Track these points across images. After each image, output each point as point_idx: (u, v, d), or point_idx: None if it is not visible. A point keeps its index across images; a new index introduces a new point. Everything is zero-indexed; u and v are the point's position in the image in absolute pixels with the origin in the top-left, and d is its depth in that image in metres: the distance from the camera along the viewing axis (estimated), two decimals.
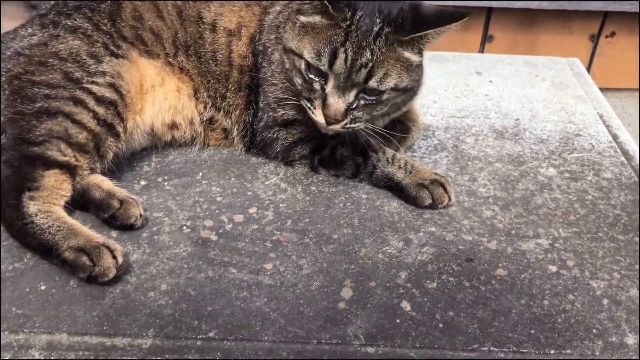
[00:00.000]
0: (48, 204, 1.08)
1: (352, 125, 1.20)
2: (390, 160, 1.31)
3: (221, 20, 1.38)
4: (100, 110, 1.20)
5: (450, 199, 1.27)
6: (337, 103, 1.16)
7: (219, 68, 1.37)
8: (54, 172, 1.11)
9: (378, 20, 1.14)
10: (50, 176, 1.10)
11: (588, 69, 2.15)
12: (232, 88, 1.38)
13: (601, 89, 1.81)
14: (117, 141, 1.24)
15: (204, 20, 1.37)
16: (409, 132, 1.45)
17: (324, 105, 1.17)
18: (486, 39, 2.12)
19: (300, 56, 1.18)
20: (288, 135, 1.35)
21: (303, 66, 1.18)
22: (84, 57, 1.23)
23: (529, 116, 1.63)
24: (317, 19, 1.17)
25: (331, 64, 1.14)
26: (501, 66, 1.86)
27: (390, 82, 1.16)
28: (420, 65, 1.25)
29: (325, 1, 1.13)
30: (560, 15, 2.04)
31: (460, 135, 1.53)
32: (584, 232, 1.22)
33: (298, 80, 1.22)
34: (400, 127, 1.42)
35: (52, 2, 1.35)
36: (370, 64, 1.13)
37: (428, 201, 1.26)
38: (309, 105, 1.21)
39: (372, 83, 1.15)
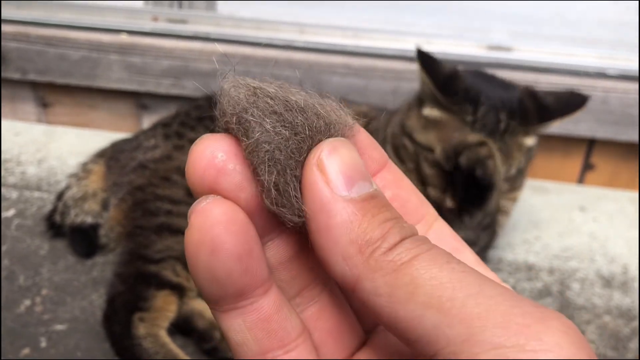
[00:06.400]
0: (156, 326, 1.08)
1: None
2: None
3: None
4: None
5: None
6: None
7: None
8: (165, 293, 1.11)
9: (503, 116, 1.12)
10: (160, 297, 1.11)
11: None
12: None
13: None
14: None
15: None
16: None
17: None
18: (587, 166, 2.06)
19: (431, 150, 1.18)
20: None
21: (433, 157, 1.18)
22: None
23: (636, 262, 1.55)
24: (439, 112, 1.16)
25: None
26: (605, 202, 1.80)
27: (512, 171, 1.18)
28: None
29: (439, 95, 1.11)
30: None
31: (565, 279, 1.46)
32: None
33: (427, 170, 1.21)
34: None
35: (174, 113, 1.40)
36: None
37: None
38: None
39: None
